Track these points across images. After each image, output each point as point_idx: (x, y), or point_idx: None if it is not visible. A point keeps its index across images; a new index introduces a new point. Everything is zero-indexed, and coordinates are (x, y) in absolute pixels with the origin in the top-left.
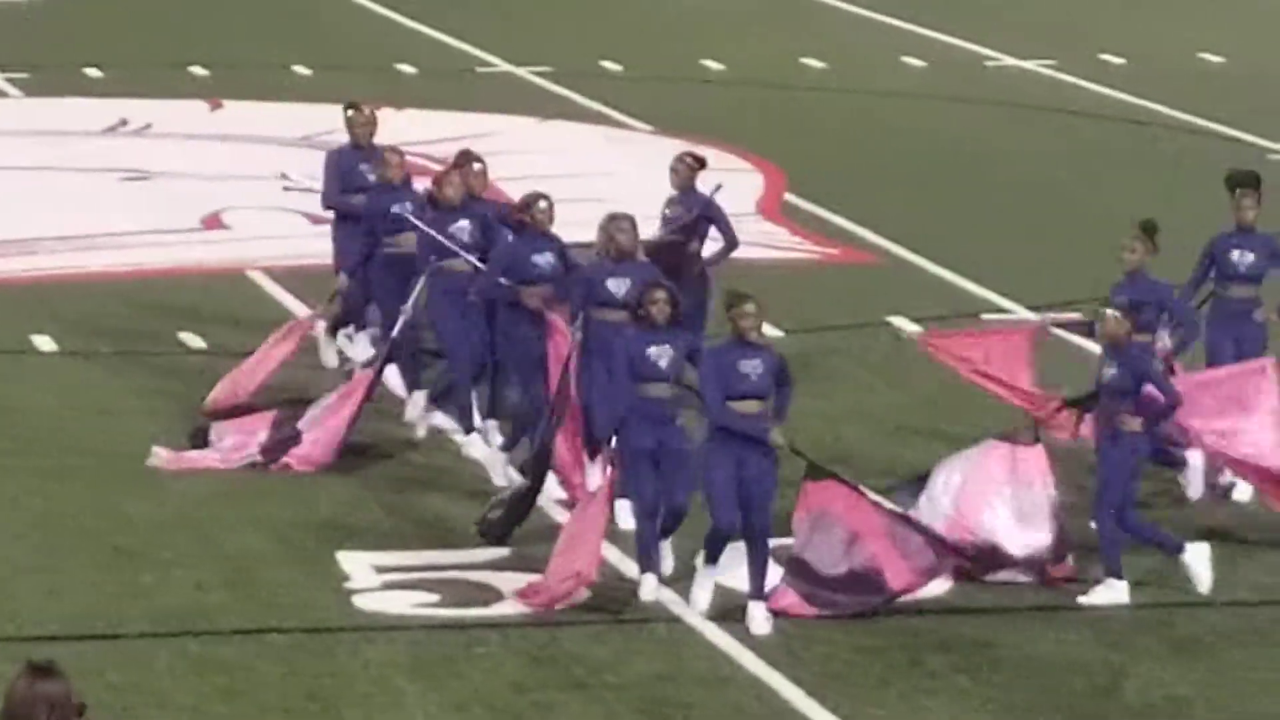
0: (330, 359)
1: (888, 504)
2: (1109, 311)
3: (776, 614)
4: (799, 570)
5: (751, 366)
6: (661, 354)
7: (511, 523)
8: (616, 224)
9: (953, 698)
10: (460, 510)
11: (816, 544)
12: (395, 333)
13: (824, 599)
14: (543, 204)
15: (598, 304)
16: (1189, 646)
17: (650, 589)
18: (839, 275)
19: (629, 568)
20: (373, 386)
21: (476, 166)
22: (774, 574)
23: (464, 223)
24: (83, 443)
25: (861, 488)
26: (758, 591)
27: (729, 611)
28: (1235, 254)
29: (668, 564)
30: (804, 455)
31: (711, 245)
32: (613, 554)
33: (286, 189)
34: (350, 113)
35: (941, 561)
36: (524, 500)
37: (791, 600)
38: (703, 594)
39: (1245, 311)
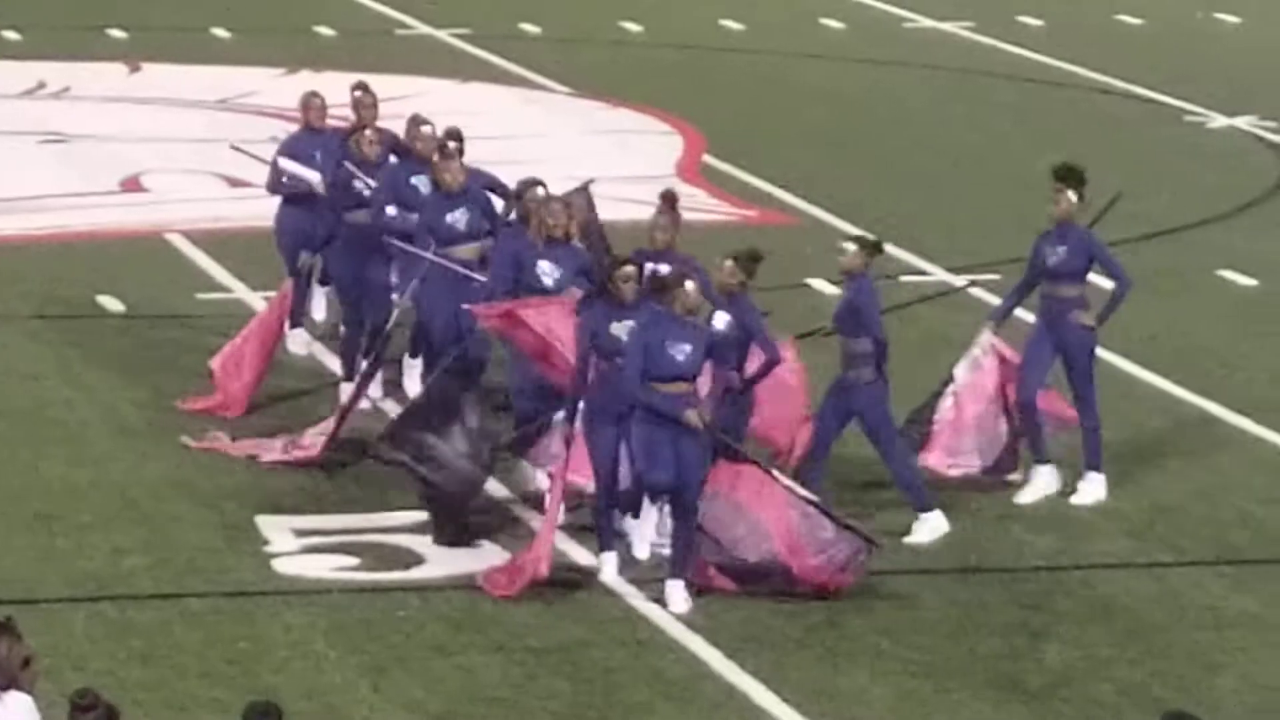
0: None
1: (802, 491)
2: (726, 262)
3: (697, 587)
4: (711, 545)
5: (680, 348)
6: (625, 331)
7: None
8: (548, 207)
9: (871, 659)
10: (380, 474)
11: (726, 524)
12: (388, 325)
13: (736, 574)
14: (554, 205)
15: (528, 289)
16: (1107, 607)
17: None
18: (757, 237)
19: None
20: (362, 390)
21: (425, 129)
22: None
23: (460, 211)
24: (0, 405)
25: (776, 473)
26: (679, 570)
27: (648, 576)
28: (1047, 250)
29: (643, 548)
30: (722, 437)
31: None
32: (536, 521)
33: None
34: (359, 94)
35: (855, 557)
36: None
37: (710, 573)
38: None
39: (1062, 311)
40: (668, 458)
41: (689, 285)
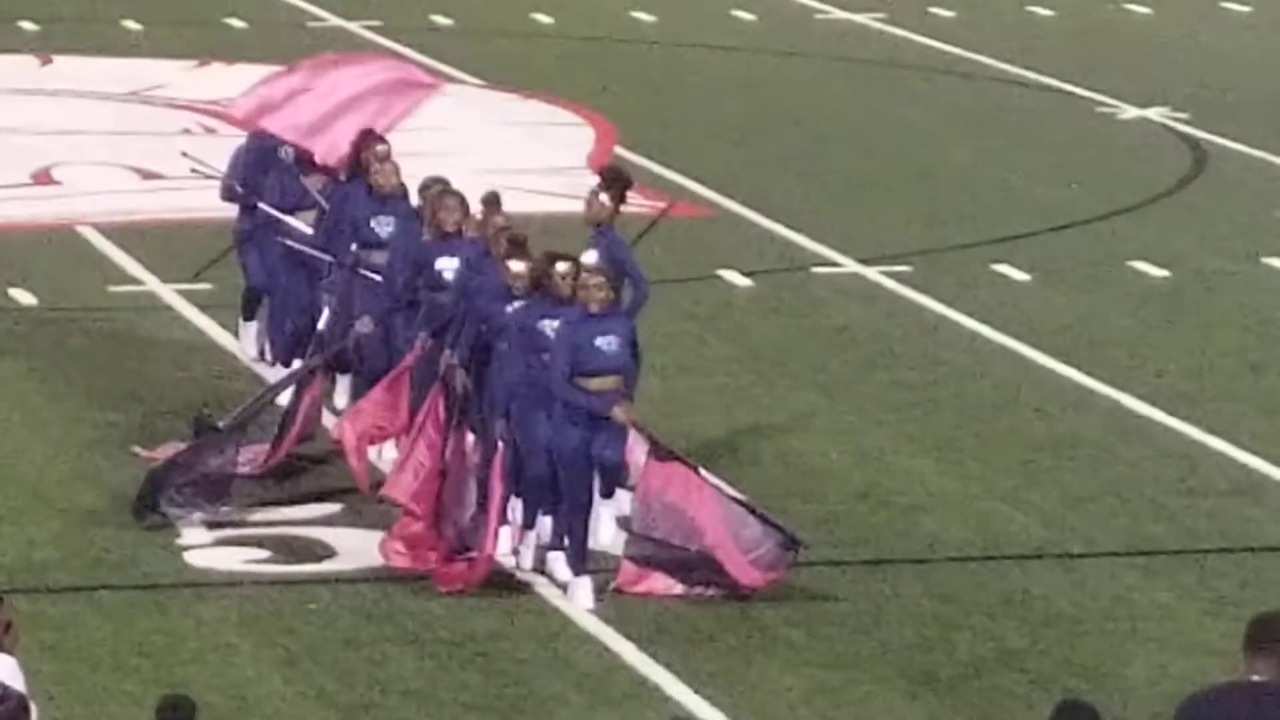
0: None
1: (729, 490)
2: (600, 195)
3: (620, 593)
4: (641, 548)
5: (606, 341)
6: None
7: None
8: (442, 200)
9: (784, 650)
10: (293, 467)
11: (659, 524)
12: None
13: (666, 579)
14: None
15: (429, 286)
16: (1020, 599)
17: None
18: (669, 229)
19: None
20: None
21: (380, 148)
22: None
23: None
24: None
25: (703, 472)
26: (581, 565)
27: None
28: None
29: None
30: (649, 434)
31: None
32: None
33: (194, 170)
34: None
35: (782, 555)
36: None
37: (633, 577)
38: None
39: None
40: (585, 469)
41: (560, 266)
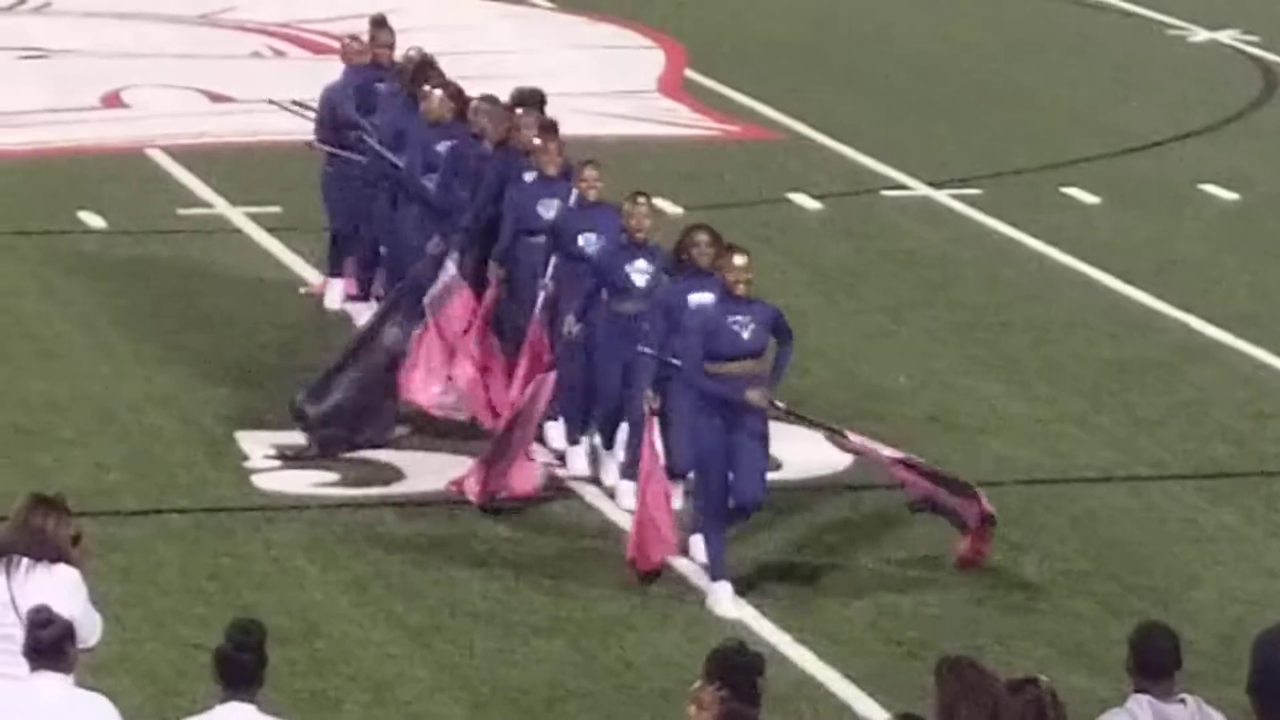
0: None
1: (924, 464)
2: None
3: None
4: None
5: (742, 322)
6: (701, 302)
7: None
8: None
9: (850, 574)
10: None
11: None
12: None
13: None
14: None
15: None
16: (1087, 521)
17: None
18: (740, 152)
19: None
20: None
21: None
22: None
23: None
24: None
25: (888, 451)
26: (720, 570)
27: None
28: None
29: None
30: (799, 415)
31: None
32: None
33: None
34: (375, 30)
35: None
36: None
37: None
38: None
39: None
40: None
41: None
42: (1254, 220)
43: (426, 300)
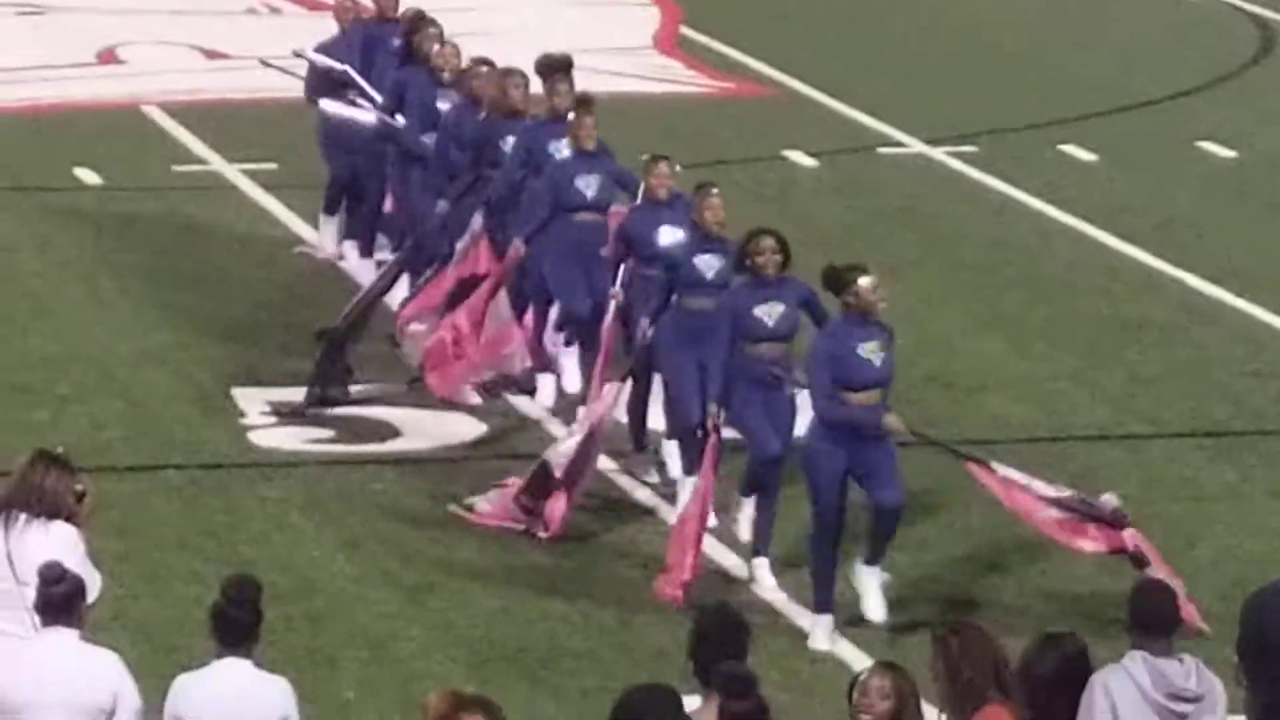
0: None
1: (1047, 489)
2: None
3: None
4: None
5: (871, 349)
6: (769, 314)
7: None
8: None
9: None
10: (357, 348)
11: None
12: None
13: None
14: (663, 166)
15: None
16: (1086, 479)
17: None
18: (735, 108)
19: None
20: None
21: (433, 30)
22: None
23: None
24: None
25: (1006, 471)
26: (826, 602)
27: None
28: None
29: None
30: (940, 441)
31: None
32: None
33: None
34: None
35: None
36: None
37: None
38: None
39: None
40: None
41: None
42: (1251, 178)
43: (460, 246)
